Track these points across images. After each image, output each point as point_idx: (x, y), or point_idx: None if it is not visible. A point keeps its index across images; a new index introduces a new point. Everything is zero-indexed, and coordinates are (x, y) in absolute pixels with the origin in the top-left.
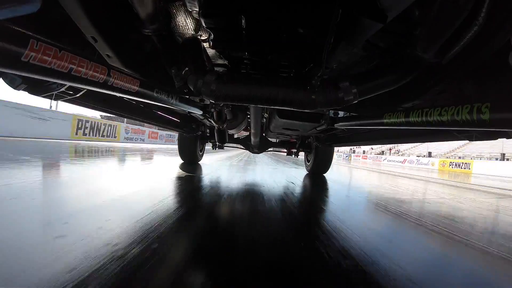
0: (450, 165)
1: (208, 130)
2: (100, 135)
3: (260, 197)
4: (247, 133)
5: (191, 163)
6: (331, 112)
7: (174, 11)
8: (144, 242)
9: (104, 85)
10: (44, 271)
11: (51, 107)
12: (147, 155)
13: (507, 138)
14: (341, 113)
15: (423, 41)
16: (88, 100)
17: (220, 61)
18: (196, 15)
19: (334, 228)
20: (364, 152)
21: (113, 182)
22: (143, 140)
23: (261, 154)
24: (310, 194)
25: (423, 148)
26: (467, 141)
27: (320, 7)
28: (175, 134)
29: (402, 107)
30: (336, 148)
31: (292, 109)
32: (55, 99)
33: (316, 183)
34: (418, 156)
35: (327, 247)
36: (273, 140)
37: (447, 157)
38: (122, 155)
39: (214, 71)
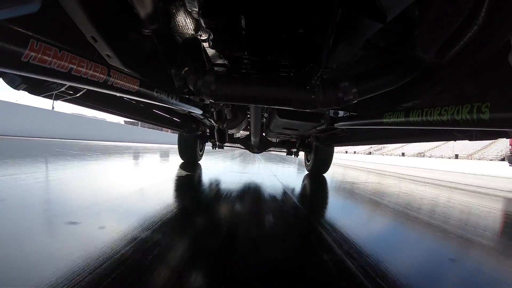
0: None
1: (208, 130)
2: None
3: None
4: (247, 133)
5: (190, 162)
6: (331, 111)
7: (174, 11)
8: None
9: (104, 85)
10: None
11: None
12: None
13: (507, 137)
14: (341, 113)
15: (423, 41)
16: (88, 100)
17: (220, 61)
18: (195, 15)
19: None
20: None
21: None
22: None
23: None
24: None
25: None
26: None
27: (320, 7)
28: None
29: (402, 106)
30: None
31: (292, 109)
32: (55, 99)
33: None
34: None
35: None
36: (273, 140)
37: None
38: None
39: (214, 71)
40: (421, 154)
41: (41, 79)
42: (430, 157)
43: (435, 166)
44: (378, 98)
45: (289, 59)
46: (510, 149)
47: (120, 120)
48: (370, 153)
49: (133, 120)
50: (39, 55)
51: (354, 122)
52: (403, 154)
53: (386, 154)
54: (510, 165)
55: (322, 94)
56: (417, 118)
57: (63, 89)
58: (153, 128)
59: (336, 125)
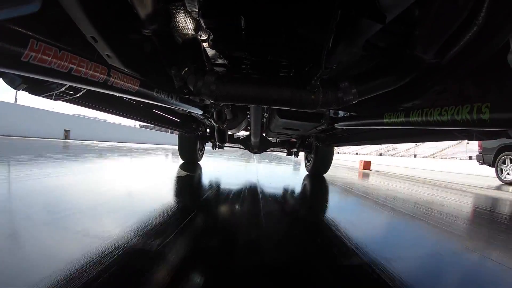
0: None
1: (208, 130)
2: None
3: None
4: (247, 133)
5: (190, 163)
6: (331, 112)
7: (174, 11)
8: None
9: (104, 85)
10: None
11: None
12: None
13: (507, 138)
14: (341, 113)
15: (423, 41)
16: (88, 100)
17: (220, 61)
18: (195, 16)
19: None
20: None
21: None
22: None
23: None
24: None
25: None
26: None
27: (320, 8)
28: None
29: (402, 107)
30: None
31: (292, 109)
32: (55, 99)
33: None
34: None
35: None
36: (273, 140)
37: None
38: None
39: (214, 71)
40: (433, 156)
41: (41, 79)
42: (443, 158)
43: (433, 167)
44: (378, 98)
45: (289, 59)
46: (478, 149)
47: (122, 121)
48: (380, 154)
49: (148, 124)
50: (39, 55)
51: (354, 122)
52: (415, 156)
53: (398, 155)
54: (479, 164)
55: (322, 94)
56: (417, 118)
57: (63, 89)
58: (161, 131)
59: (336, 125)
